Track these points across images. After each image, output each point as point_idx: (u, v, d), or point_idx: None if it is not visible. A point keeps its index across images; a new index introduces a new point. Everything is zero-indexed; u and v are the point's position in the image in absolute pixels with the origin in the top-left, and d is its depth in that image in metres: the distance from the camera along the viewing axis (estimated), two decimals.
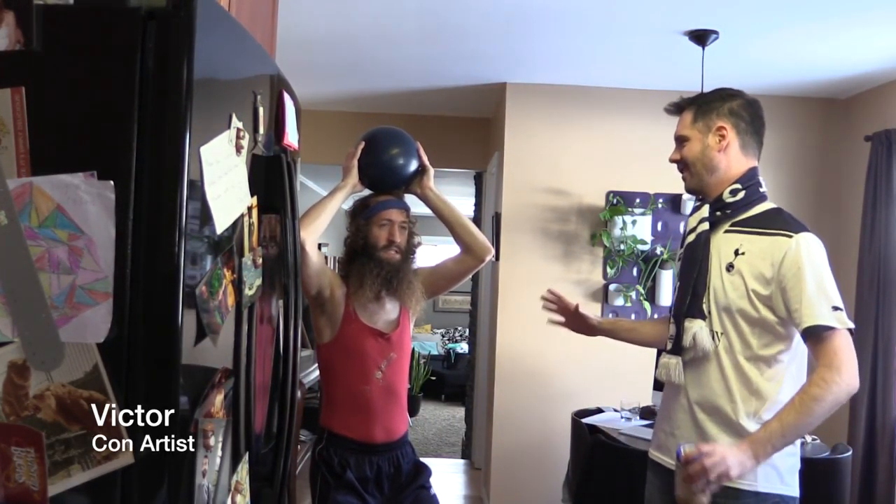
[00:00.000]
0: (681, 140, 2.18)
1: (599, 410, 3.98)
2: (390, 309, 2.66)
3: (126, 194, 1.29)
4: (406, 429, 2.72)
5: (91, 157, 1.30)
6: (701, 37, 3.59)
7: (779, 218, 2.10)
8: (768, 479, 1.99)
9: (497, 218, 4.84)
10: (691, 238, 2.17)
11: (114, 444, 1.28)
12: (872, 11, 3.23)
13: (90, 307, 1.27)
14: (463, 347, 10.69)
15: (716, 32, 3.56)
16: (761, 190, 2.15)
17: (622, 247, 4.50)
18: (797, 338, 2.01)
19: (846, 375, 1.87)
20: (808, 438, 3.51)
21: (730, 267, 2.06)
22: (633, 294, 4.53)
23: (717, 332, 2.06)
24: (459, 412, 8.55)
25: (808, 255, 1.98)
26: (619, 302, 4.55)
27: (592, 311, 4.55)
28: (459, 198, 9.34)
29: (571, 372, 4.57)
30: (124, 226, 1.29)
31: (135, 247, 1.30)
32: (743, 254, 2.04)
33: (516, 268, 4.64)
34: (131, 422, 1.28)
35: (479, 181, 6.39)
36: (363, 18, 3.58)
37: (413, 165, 2.70)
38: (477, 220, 6.48)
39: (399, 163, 2.67)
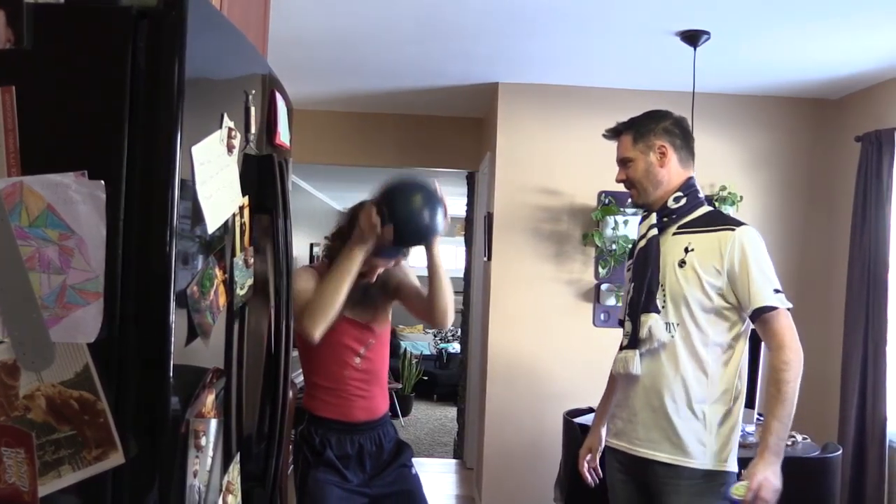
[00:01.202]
0: (625, 162, 2.41)
1: (591, 410, 3.98)
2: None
3: (117, 194, 1.29)
4: (387, 407, 2.75)
5: (82, 157, 1.29)
6: (692, 37, 3.60)
7: (720, 216, 2.40)
8: (717, 458, 2.23)
9: (489, 218, 4.85)
10: (643, 243, 2.38)
11: (104, 445, 1.27)
12: (864, 12, 3.25)
13: (81, 307, 1.27)
14: (455, 347, 10.68)
15: (707, 33, 3.57)
16: (700, 196, 2.39)
17: (614, 247, 4.51)
18: (746, 322, 2.27)
19: (796, 349, 2.17)
20: (799, 437, 3.53)
21: (682, 263, 2.27)
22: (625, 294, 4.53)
23: (673, 324, 2.27)
24: (451, 412, 8.55)
25: (751, 245, 2.22)
26: (611, 301, 4.56)
27: (584, 311, 4.64)
28: (451, 198, 9.33)
29: (563, 372, 4.57)
30: (115, 225, 1.29)
31: (126, 246, 1.30)
32: (693, 250, 2.27)
33: (508, 268, 4.65)
34: (122, 422, 1.28)
35: (471, 181, 6.39)
36: (355, 18, 3.58)
37: (438, 226, 2.47)
38: (469, 220, 6.49)
39: (425, 224, 2.44)
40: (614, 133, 2.46)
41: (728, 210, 4.40)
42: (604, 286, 4.59)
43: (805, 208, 4.69)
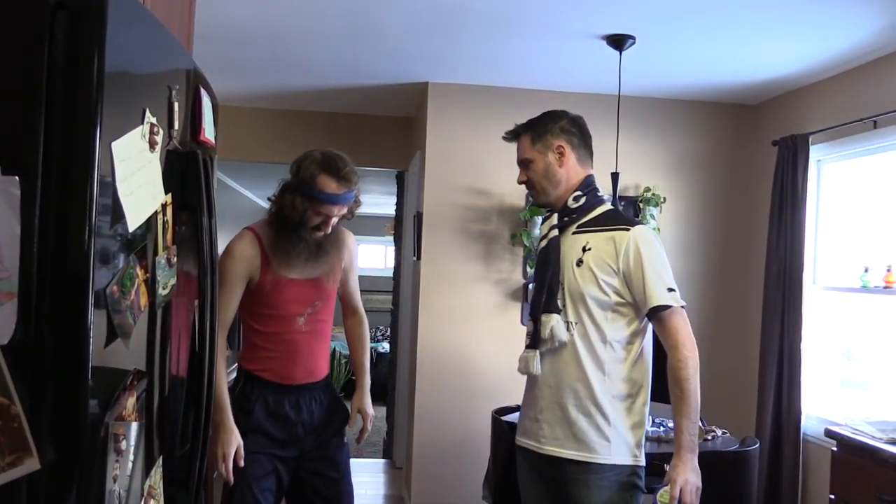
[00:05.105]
0: (525, 163, 2.43)
1: (519, 408, 4.03)
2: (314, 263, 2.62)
3: (32, 190, 1.24)
4: (328, 370, 2.76)
5: None
6: (618, 41, 3.68)
7: (617, 216, 2.41)
8: (621, 452, 2.26)
9: (419, 217, 4.85)
10: (544, 244, 2.41)
11: (18, 451, 1.23)
12: (780, 21, 3.37)
13: None
14: (385, 347, 10.65)
15: (632, 38, 3.65)
16: (599, 194, 2.42)
17: None
18: (644, 319, 2.29)
19: (690, 346, 2.22)
20: (719, 432, 3.64)
21: (580, 262, 2.30)
22: None
23: (572, 322, 2.29)
24: (381, 412, 8.49)
25: (645, 244, 2.26)
26: None
27: (512, 309, 4.69)
28: (381, 196, 9.31)
29: (492, 370, 4.61)
30: (30, 223, 1.24)
31: (42, 245, 1.25)
32: (589, 249, 2.29)
33: (437, 267, 4.66)
34: (38, 427, 1.24)
35: (400, 180, 6.39)
36: (283, 13, 3.54)
37: None
38: (399, 219, 6.49)
39: None
40: (513, 135, 2.49)
41: (652, 211, 4.50)
42: (531, 285, 4.63)
43: (725, 209, 4.84)
